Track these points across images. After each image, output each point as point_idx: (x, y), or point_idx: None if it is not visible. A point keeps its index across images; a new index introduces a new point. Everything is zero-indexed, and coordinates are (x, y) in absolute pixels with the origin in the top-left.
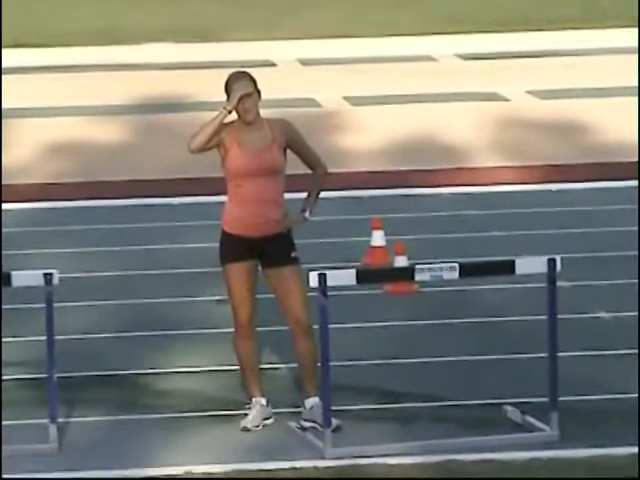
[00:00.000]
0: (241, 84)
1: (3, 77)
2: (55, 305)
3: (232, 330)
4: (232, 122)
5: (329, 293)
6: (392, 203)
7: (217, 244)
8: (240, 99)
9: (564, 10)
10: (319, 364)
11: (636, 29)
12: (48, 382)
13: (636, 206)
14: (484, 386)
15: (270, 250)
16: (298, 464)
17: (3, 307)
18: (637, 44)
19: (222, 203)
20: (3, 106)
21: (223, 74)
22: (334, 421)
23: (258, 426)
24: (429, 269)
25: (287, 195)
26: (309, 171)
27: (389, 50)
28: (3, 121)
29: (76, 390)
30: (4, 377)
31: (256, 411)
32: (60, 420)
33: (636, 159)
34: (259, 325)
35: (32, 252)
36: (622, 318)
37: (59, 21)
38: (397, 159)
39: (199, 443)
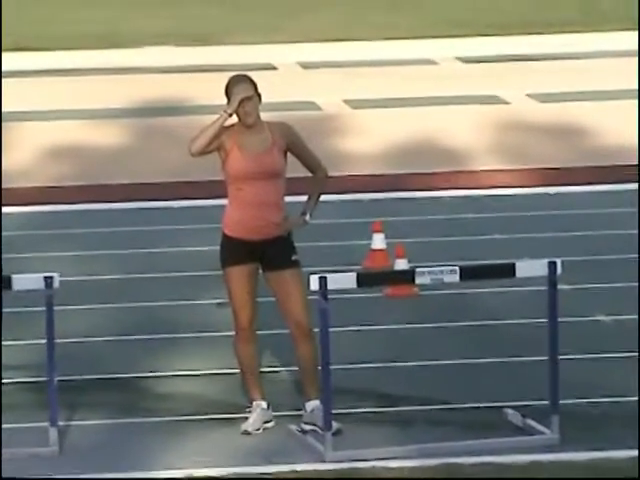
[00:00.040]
0: (241, 87)
1: (3, 80)
2: (56, 308)
3: (233, 333)
4: (232, 125)
5: (330, 296)
6: (392, 206)
7: (217, 247)
8: (240, 102)
9: (564, 13)
10: (320, 367)
11: (636, 32)
12: (48, 385)
13: (636, 209)
14: (484, 389)
15: (271, 253)
16: (299, 467)
17: (4, 310)
18: (637, 47)
19: (222, 206)
20: (3, 109)
21: (223, 77)
22: (334, 424)
23: (259, 429)
24: (429, 272)
25: (287, 198)
26: (309, 174)
27: (389, 53)
28: (3, 124)
29: (77, 393)
30: (4, 380)
31: (257, 414)
32: (61, 423)
33: (635, 162)
34: (260, 328)
35: (32, 256)
36: (622, 321)
37: (59, 25)
38: (397, 162)
39: (200, 446)
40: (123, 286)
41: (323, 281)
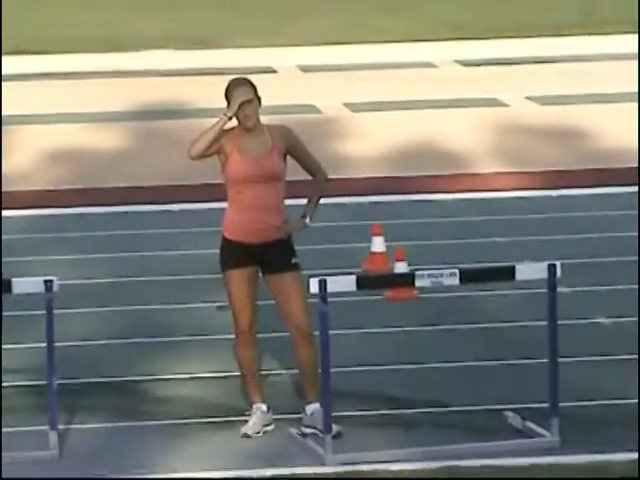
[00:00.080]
0: (241, 90)
1: (3, 84)
2: (55, 312)
3: (232, 336)
4: (232, 128)
5: (329, 299)
6: (392, 209)
7: (217, 251)
8: (240, 105)
9: (563, 16)
10: (320, 370)
11: (635, 35)
12: (48, 389)
13: (634, 212)
14: (485, 392)
15: (270, 256)
16: (298, 470)
17: (3, 314)
18: (637, 50)
19: (222, 210)
20: (3, 113)
21: (223, 81)
22: (335, 427)
23: (259, 432)
24: (429, 275)
25: (287, 201)
26: (309, 177)
27: (389, 56)
28: (3, 128)
29: (76, 397)
30: (4, 384)
31: (257, 417)
32: (60, 427)
33: (635, 165)
34: (260, 331)
35: (32, 259)
36: (622, 324)
37: (59, 28)
38: (397, 165)
39: (199, 450)
40: (122, 289)
41: (323, 284)
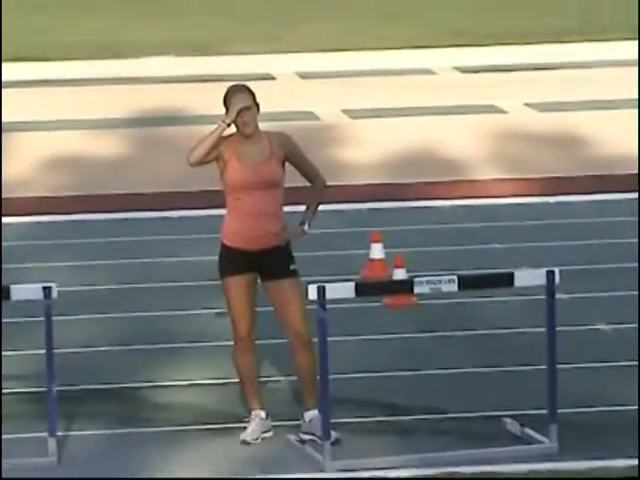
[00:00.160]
0: (240, 97)
1: (3, 90)
2: (54, 318)
3: (231, 343)
4: (231, 135)
5: (328, 306)
6: (391, 216)
7: (216, 257)
8: (239, 112)
9: (563, 23)
10: (318, 377)
11: (634, 42)
12: (47, 395)
13: (634, 218)
14: (483, 399)
15: (269, 263)
16: (297, 477)
17: (2, 321)
18: (637, 57)
19: (221, 216)
20: (3, 120)
21: (222, 87)
22: (333, 434)
23: (257, 439)
24: (428, 282)
25: (286, 208)
26: (308, 184)
27: (388, 63)
28: (3, 134)
29: (75, 403)
30: (3, 391)
31: (255, 424)
32: (59, 433)
33: (634, 171)
34: (258, 338)
35: (31, 266)
36: (621, 330)
37: (59, 35)
38: (396, 172)
39: (198, 456)
40: (121, 296)
41: (321, 290)
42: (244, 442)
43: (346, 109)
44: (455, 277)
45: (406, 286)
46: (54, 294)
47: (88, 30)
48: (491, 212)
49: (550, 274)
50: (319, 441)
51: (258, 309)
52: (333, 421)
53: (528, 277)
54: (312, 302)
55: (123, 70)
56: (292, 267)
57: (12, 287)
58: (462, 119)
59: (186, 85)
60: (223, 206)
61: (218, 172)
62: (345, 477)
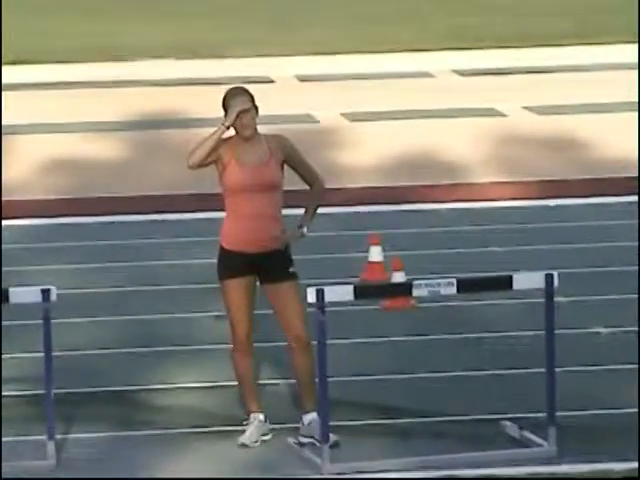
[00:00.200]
0: (239, 100)
1: (3, 93)
2: (53, 321)
3: (230, 346)
4: (230, 138)
5: (327, 309)
6: (390, 219)
7: (215, 260)
8: (238, 115)
9: (560, 26)
10: (317, 379)
11: (632, 45)
12: (46, 398)
13: (631, 221)
14: (482, 401)
15: (268, 266)
16: (296, 479)
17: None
18: (634, 60)
19: (220, 219)
20: (2, 123)
21: (221, 90)
22: (332, 437)
23: (256, 442)
24: (427, 285)
25: (285, 211)
26: (307, 187)
27: (386, 66)
28: (2, 137)
29: (74, 406)
30: (2, 393)
31: (254, 427)
32: (58, 436)
33: (632, 174)
34: (258, 341)
35: (30, 268)
36: (620, 333)
37: (59, 38)
38: (394, 175)
39: (197, 459)
40: (120, 299)
41: (320, 293)
42: (243, 445)
43: (345, 112)
44: (454, 280)
45: (405, 289)
46: (53, 297)
47: (87, 33)
48: (490, 215)
49: (549, 277)
50: (318, 444)
51: (257, 312)
52: (332, 424)
53: (527, 280)
54: (311, 305)
55: (122, 73)
56: (291, 270)
57: (10, 290)
58: (460, 122)
59: (185, 88)
60: (222, 209)
61: (217, 175)
62: (343, 479)
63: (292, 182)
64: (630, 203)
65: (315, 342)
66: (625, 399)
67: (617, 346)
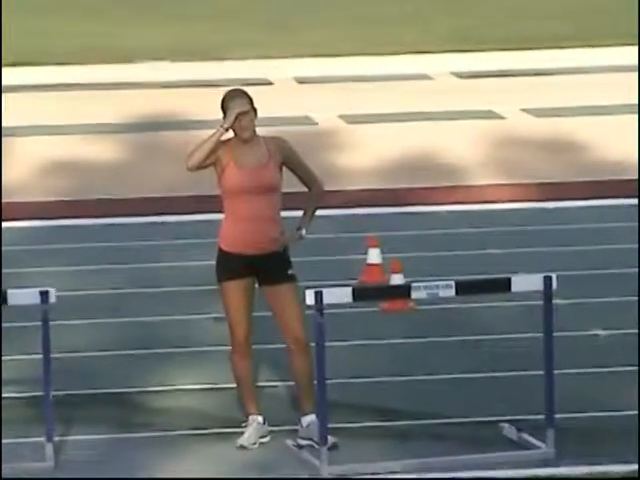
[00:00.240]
0: (237, 102)
1: (3, 95)
2: (52, 323)
3: (228, 348)
4: (229, 140)
5: (325, 311)
6: (388, 221)
7: (214, 262)
8: (237, 117)
9: (559, 29)
10: (315, 381)
11: (632, 47)
12: (44, 400)
13: (630, 224)
14: (480, 404)
15: (267, 268)
16: None
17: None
18: (634, 62)
19: (219, 221)
20: (2, 124)
21: (220, 92)
22: (330, 439)
23: (255, 444)
24: (425, 287)
25: (283, 213)
26: (305, 189)
27: (385, 69)
28: (2, 139)
29: (72, 408)
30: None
31: (252, 429)
32: (56, 438)
33: (631, 177)
34: (256, 343)
35: (30, 270)
36: (618, 335)
37: (58, 40)
38: (393, 177)
39: (196, 461)
40: (119, 301)
41: (319, 295)
42: (241, 447)
43: (343, 114)
44: (452, 282)
45: (403, 291)
46: (52, 299)
47: (87, 35)
48: (488, 217)
49: (547, 280)
50: (316, 446)
51: (255, 314)
52: (330, 426)
53: (525, 283)
54: (309, 307)
55: (120, 75)
56: (290, 272)
57: (9, 292)
58: (459, 124)
59: (183, 90)
60: (221, 211)
61: (216, 177)
62: None
63: (291, 184)
64: (629, 206)
65: (314, 344)
66: (623, 401)
67: (616, 348)
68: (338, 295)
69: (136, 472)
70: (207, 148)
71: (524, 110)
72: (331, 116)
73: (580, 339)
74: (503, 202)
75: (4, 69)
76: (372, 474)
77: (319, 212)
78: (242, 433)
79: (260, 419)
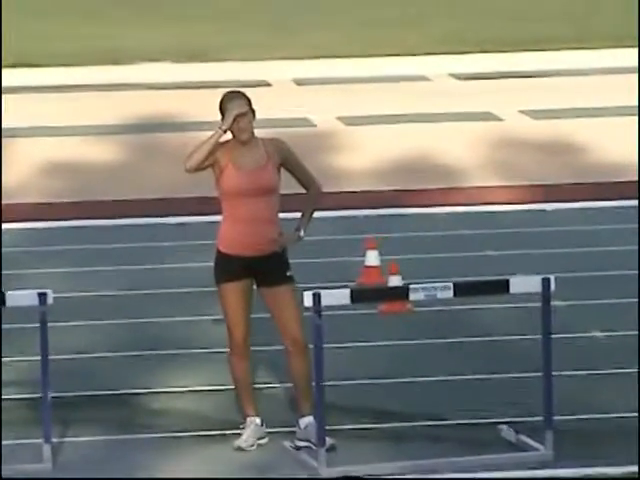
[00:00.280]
0: (236, 103)
1: (3, 96)
2: (52, 325)
3: (227, 349)
4: (227, 141)
5: (323, 313)
6: (386, 223)
7: (212, 264)
8: (235, 118)
9: (557, 30)
10: (313, 383)
11: (630, 49)
12: (42, 402)
13: (629, 225)
14: (478, 405)
15: (265, 269)
16: None
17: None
18: (633, 64)
19: (217, 223)
20: (2, 125)
21: (218, 94)
22: (328, 440)
23: (252, 445)
24: (423, 288)
25: (282, 214)
26: (303, 190)
27: (383, 70)
28: (2, 140)
29: (70, 410)
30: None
31: (250, 430)
32: (54, 440)
33: (630, 179)
34: (254, 344)
35: (30, 272)
36: (616, 337)
37: (58, 41)
38: (391, 179)
39: (193, 463)
40: (118, 302)
41: (317, 297)
42: (239, 448)
43: (342, 116)
44: (450, 284)
45: (401, 293)
46: (50, 300)
47: (88, 36)
48: (486, 219)
49: (545, 281)
50: (314, 447)
51: (253, 316)
52: (328, 428)
53: (523, 284)
54: (308, 309)
55: (120, 76)
56: (288, 273)
57: (7, 293)
58: (457, 126)
59: (182, 92)
60: (220, 213)
61: (214, 178)
62: None
63: (289, 186)
64: (627, 207)
65: (312, 346)
66: (622, 403)
67: (614, 350)
68: (336, 297)
69: (135, 473)
70: (205, 150)
71: (522, 112)
72: (329, 118)
73: (578, 341)
74: (501, 204)
75: (4, 70)
76: (370, 475)
77: (317, 214)
78: (240, 435)
79: (258, 421)
